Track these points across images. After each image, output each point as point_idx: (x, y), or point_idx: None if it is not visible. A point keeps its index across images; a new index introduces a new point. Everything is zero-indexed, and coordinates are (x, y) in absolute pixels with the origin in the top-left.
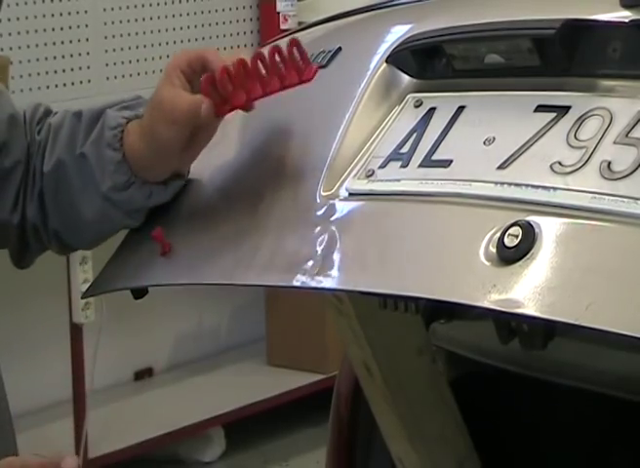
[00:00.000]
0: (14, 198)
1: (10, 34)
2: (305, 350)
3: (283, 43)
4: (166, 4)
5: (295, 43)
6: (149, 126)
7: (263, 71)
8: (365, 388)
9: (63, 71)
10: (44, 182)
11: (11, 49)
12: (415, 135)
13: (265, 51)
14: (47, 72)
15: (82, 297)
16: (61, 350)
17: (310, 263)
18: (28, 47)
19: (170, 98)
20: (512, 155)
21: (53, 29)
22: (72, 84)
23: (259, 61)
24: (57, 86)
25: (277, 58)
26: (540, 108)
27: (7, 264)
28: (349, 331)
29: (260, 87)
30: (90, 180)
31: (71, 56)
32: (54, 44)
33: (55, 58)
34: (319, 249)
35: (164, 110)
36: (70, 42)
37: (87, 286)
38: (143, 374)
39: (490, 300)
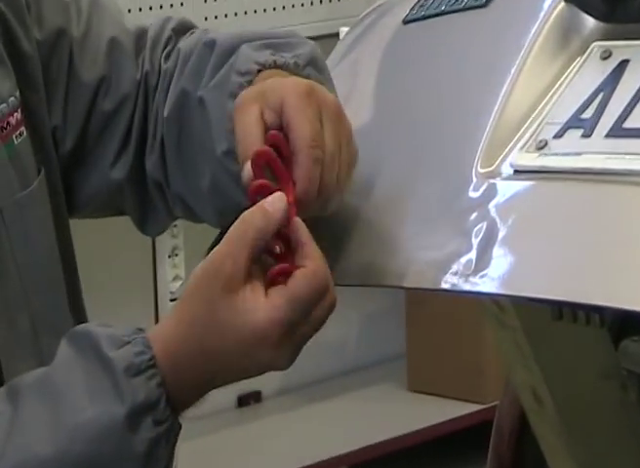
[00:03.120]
0: (117, 147)
1: None
2: (457, 372)
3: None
4: None
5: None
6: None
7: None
8: (533, 421)
9: None
10: (165, 127)
11: None
12: (601, 95)
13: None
14: None
15: (172, 300)
16: None
17: (463, 260)
18: None
19: (241, 129)
20: None
21: None
22: None
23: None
24: None
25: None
26: None
27: (85, 259)
28: (514, 348)
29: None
30: (207, 136)
31: None
32: None
33: None
34: (475, 241)
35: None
36: None
37: (178, 284)
38: (249, 399)
39: None
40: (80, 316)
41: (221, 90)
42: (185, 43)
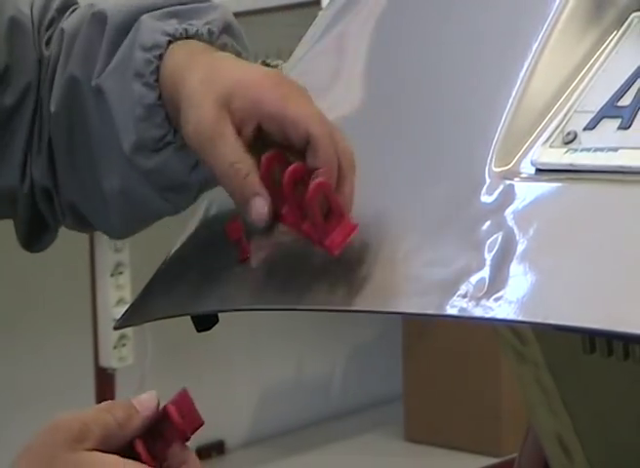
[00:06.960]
0: (22, 153)
1: None
2: (464, 419)
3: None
4: None
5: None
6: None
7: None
8: None
9: None
10: (53, 124)
11: None
12: None
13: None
14: None
15: (115, 328)
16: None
17: (474, 280)
18: None
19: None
20: None
21: None
22: None
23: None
24: None
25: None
26: None
27: (8, 281)
28: (536, 387)
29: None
30: (108, 129)
31: None
32: None
33: None
34: (488, 256)
35: (193, 140)
36: None
37: (123, 309)
38: (210, 451)
39: None
40: None
41: (123, 71)
42: (69, 22)
